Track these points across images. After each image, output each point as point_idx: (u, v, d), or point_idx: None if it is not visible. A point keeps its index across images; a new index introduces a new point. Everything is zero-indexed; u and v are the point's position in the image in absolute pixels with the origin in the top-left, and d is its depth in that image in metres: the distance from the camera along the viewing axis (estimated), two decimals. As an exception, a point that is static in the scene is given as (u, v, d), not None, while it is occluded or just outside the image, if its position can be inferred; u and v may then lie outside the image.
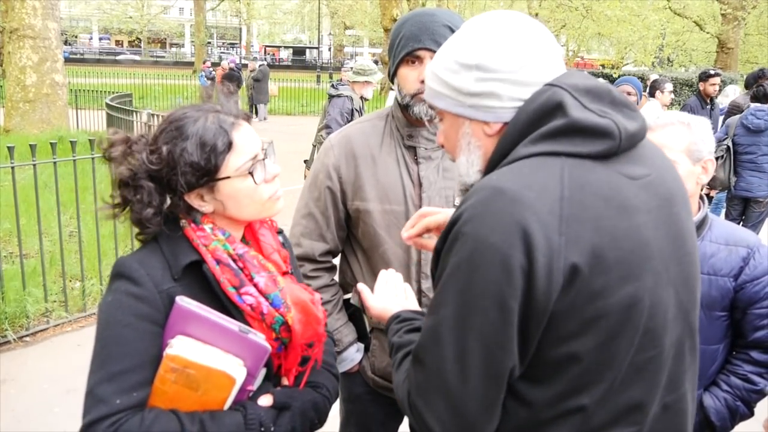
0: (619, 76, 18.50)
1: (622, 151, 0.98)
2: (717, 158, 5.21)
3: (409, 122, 1.73)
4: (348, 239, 1.86)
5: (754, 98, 5.58)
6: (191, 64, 38.65)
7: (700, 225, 1.75)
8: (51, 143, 4.39)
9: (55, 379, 3.70)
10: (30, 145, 4.18)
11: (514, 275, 0.89)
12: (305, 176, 6.08)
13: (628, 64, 31.13)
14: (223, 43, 61.49)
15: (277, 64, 46.90)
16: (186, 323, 1.16)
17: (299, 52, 52.78)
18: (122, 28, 47.81)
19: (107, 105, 10.33)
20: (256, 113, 16.96)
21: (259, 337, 1.19)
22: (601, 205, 0.93)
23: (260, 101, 17.31)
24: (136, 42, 57.90)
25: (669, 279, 0.99)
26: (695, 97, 7.18)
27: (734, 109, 6.68)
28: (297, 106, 20.57)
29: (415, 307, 1.35)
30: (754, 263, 1.70)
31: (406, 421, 1.91)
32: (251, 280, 1.22)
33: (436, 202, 1.70)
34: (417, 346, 1.02)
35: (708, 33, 24.74)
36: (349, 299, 1.85)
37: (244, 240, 1.31)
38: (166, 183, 1.18)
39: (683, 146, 1.72)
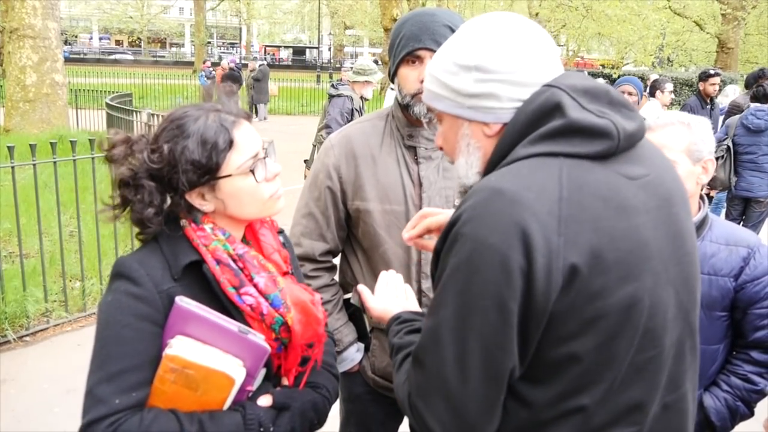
0: (619, 76, 18.50)
1: (620, 151, 0.98)
2: (717, 158, 5.21)
3: (410, 122, 1.73)
4: (348, 239, 1.86)
5: (754, 98, 5.58)
6: (191, 63, 38.66)
7: (701, 225, 1.75)
8: (51, 143, 4.39)
9: (55, 379, 3.70)
10: (30, 145, 4.18)
11: (513, 276, 0.89)
12: (305, 176, 6.08)
13: (628, 64, 31.14)
14: (223, 43, 61.49)
15: (277, 63, 46.88)
16: (185, 323, 1.16)
17: (299, 52, 52.77)
18: (122, 28, 47.85)
19: (107, 105, 10.33)
20: (256, 113, 16.96)
21: (258, 338, 1.19)
22: (600, 206, 0.93)
23: (260, 101, 17.31)
24: (136, 42, 57.93)
25: (668, 279, 0.99)
26: (695, 96, 7.18)
27: (734, 109, 6.68)
28: (297, 106, 20.56)
29: (416, 308, 1.35)
30: (754, 263, 1.70)
31: (406, 421, 1.91)
32: (251, 280, 1.22)
33: (436, 201, 1.70)
34: (417, 348, 1.02)
35: (708, 33, 24.75)
36: (349, 299, 1.85)
37: (244, 240, 1.31)
38: (167, 182, 1.17)
39: (683, 146, 1.72)
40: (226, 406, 1.19)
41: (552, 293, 0.90)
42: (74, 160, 4.57)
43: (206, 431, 1.14)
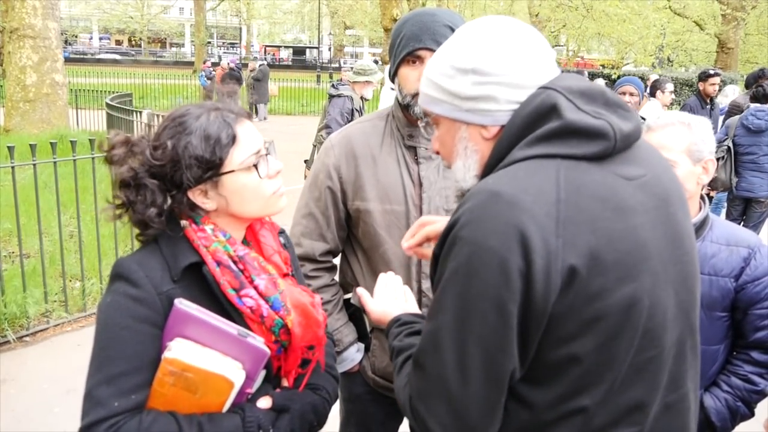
0: (619, 77, 18.49)
1: (617, 151, 0.98)
2: (718, 159, 5.21)
3: (410, 122, 1.73)
4: (348, 239, 1.85)
5: (754, 98, 5.58)
6: (191, 63, 38.65)
7: (701, 225, 1.75)
8: (51, 143, 4.39)
9: (55, 379, 3.70)
10: (30, 145, 4.18)
11: (512, 278, 0.89)
12: (305, 176, 6.08)
13: (628, 64, 31.13)
14: (223, 43, 61.48)
15: (277, 63, 46.87)
16: (185, 326, 1.15)
17: (299, 51, 52.75)
18: (122, 28, 47.83)
19: (107, 105, 10.33)
20: (256, 113, 16.96)
21: (258, 341, 1.18)
22: (598, 207, 0.93)
23: (260, 101, 17.31)
24: (136, 42, 57.94)
25: (667, 279, 0.99)
26: (695, 97, 7.18)
27: (734, 109, 6.68)
28: (297, 106, 20.57)
29: (415, 309, 1.35)
30: (755, 263, 1.70)
31: (406, 421, 1.91)
32: (251, 282, 1.21)
33: (436, 201, 1.70)
34: (417, 351, 1.02)
35: (708, 33, 24.74)
36: (349, 299, 1.85)
37: (244, 241, 1.31)
38: (170, 179, 1.17)
39: (684, 146, 1.72)
40: (225, 409, 1.19)
41: (551, 295, 0.90)
42: (74, 160, 4.57)
43: None
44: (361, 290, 1.39)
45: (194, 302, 1.17)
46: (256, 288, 1.21)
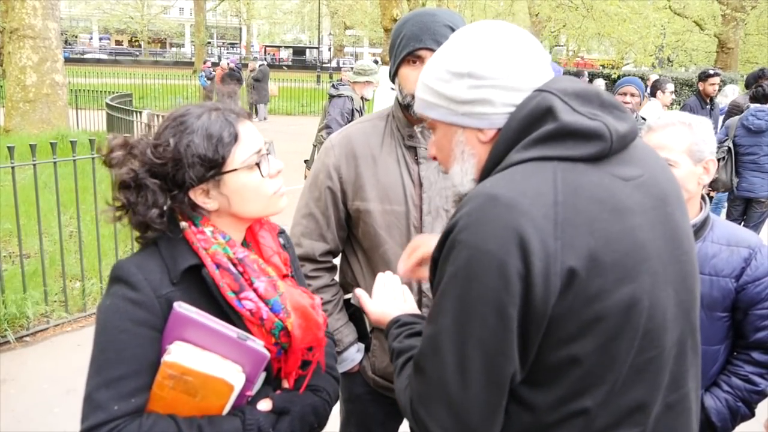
0: (619, 77, 18.49)
1: (613, 152, 0.98)
2: (718, 160, 5.21)
3: (410, 122, 1.73)
4: (348, 239, 1.85)
5: (754, 99, 5.58)
6: (191, 64, 38.66)
7: (702, 226, 1.75)
8: (51, 143, 4.39)
9: (55, 380, 3.70)
10: (30, 145, 4.18)
11: (511, 281, 0.89)
12: (305, 176, 6.08)
13: (628, 64, 31.13)
14: (223, 43, 61.48)
15: (277, 64, 46.86)
16: (184, 329, 1.15)
17: (299, 52, 52.75)
18: (122, 28, 47.82)
19: (107, 105, 10.34)
20: (256, 113, 16.96)
21: (257, 344, 1.18)
22: (595, 208, 0.93)
23: (260, 101, 17.31)
24: (136, 42, 57.94)
25: (667, 279, 0.99)
26: (695, 97, 7.18)
27: (734, 109, 6.68)
28: (297, 106, 20.56)
29: (415, 310, 1.35)
30: (755, 264, 1.70)
31: (406, 421, 1.91)
32: (251, 284, 1.21)
33: (436, 202, 1.70)
34: (417, 355, 1.02)
35: (707, 33, 24.74)
36: (349, 299, 1.85)
37: (244, 242, 1.31)
38: (171, 178, 1.16)
39: (684, 146, 1.72)
40: (225, 412, 1.19)
41: (551, 297, 0.90)
42: (74, 161, 4.57)
43: None
44: (359, 291, 1.39)
45: (193, 305, 1.16)
46: (255, 290, 1.21)
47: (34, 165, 4.23)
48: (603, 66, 28.73)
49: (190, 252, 1.19)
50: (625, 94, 5.07)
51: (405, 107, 1.71)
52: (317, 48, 44.21)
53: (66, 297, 4.56)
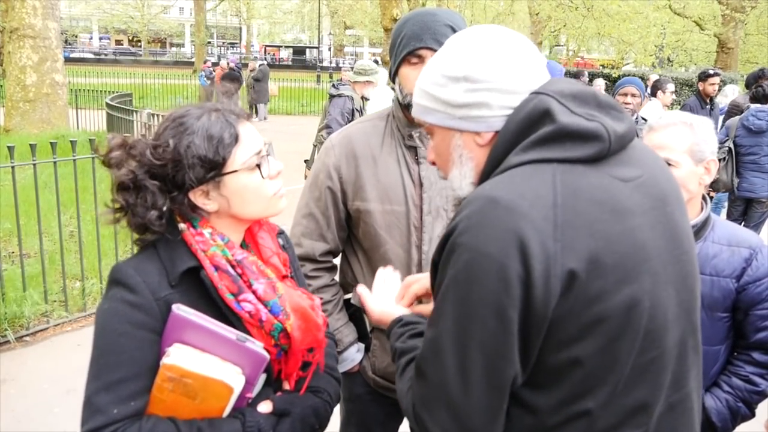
0: (619, 76, 18.48)
1: (612, 153, 0.98)
2: (719, 160, 5.21)
3: (410, 122, 1.73)
4: (349, 239, 1.85)
5: (754, 99, 5.58)
6: (191, 63, 38.66)
7: (703, 226, 1.75)
8: (51, 143, 4.39)
9: (55, 380, 3.70)
10: (30, 145, 4.18)
11: (511, 284, 0.89)
12: (305, 176, 6.08)
13: (628, 64, 31.13)
14: (224, 43, 61.48)
15: (277, 63, 46.86)
16: (183, 331, 1.15)
17: (299, 51, 52.73)
18: (122, 28, 47.82)
19: (107, 105, 10.34)
20: (256, 113, 16.96)
21: (257, 346, 1.18)
22: (595, 210, 0.93)
23: (260, 101, 17.31)
24: (136, 42, 57.96)
25: (667, 279, 0.99)
26: (695, 96, 7.18)
27: (734, 109, 6.67)
28: (297, 106, 20.57)
29: None
30: (756, 264, 1.70)
31: (406, 421, 1.91)
32: (250, 286, 1.20)
33: (436, 201, 1.70)
34: (419, 359, 1.02)
35: (707, 33, 24.73)
36: (349, 299, 1.85)
37: (243, 244, 1.30)
38: (171, 179, 1.16)
39: (686, 147, 1.72)
40: (225, 414, 1.18)
41: (551, 299, 0.90)
42: (74, 160, 4.56)
43: None
44: (361, 289, 1.38)
45: (192, 307, 1.16)
46: (254, 292, 1.20)
47: (34, 165, 4.23)
48: (603, 66, 28.73)
49: (188, 254, 1.19)
50: (625, 94, 5.07)
51: (405, 107, 1.70)
52: (317, 48, 44.21)
53: (66, 297, 4.56)
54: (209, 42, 47.10)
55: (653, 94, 6.74)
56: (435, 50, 1.57)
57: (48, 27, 11.04)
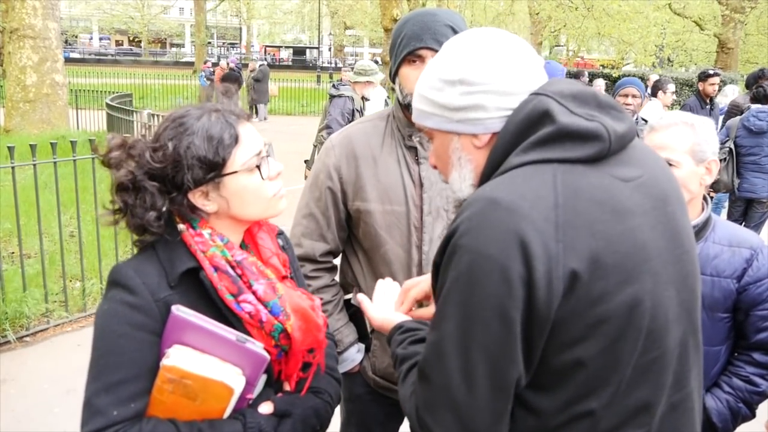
0: (619, 77, 18.48)
1: (612, 153, 0.98)
2: (720, 161, 5.20)
3: (410, 122, 1.73)
4: (349, 239, 1.85)
5: (754, 99, 5.58)
6: (191, 64, 38.66)
7: (704, 226, 1.75)
8: (51, 143, 4.39)
9: (55, 380, 3.70)
10: (30, 145, 4.18)
11: (514, 286, 0.89)
12: (306, 176, 6.07)
13: (628, 64, 31.13)
14: (224, 43, 61.51)
15: (278, 64, 46.86)
16: (183, 333, 1.14)
17: (299, 52, 52.75)
18: (122, 28, 47.83)
19: (107, 105, 10.35)
20: (256, 113, 16.96)
21: (257, 346, 1.17)
22: (596, 210, 0.93)
23: (260, 101, 17.31)
24: (137, 43, 57.97)
25: (668, 279, 0.99)
26: (695, 97, 7.18)
27: (734, 109, 6.67)
28: (297, 106, 20.56)
29: None
30: (757, 265, 1.70)
31: (406, 421, 1.91)
32: (250, 287, 1.20)
33: (436, 202, 1.70)
34: (422, 362, 1.02)
35: (708, 33, 24.74)
36: (349, 299, 1.84)
37: (242, 244, 1.30)
38: (170, 180, 1.15)
39: (687, 147, 1.72)
40: (226, 415, 1.18)
41: (554, 300, 0.89)
42: (74, 161, 4.56)
43: None
44: (361, 297, 1.38)
45: (192, 308, 1.15)
46: (254, 293, 1.20)
47: (34, 165, 4.23)
48: (603, 66, 28.73)
49: (187, 255, 1.18)
50: (626, 95, 5.06)
51: (405, 107, 1.70)
52: (317, 48, 44.21)
53: (66, 297, 4.56)
54: (209, 42, 47.12)
55: (654, 94, 6.74)
56: (435, 50, 1.58)
57: (48, 27, 11.04)
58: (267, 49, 53.29)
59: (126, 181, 1.15)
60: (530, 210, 0.90)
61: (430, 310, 1.30)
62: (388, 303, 1.36)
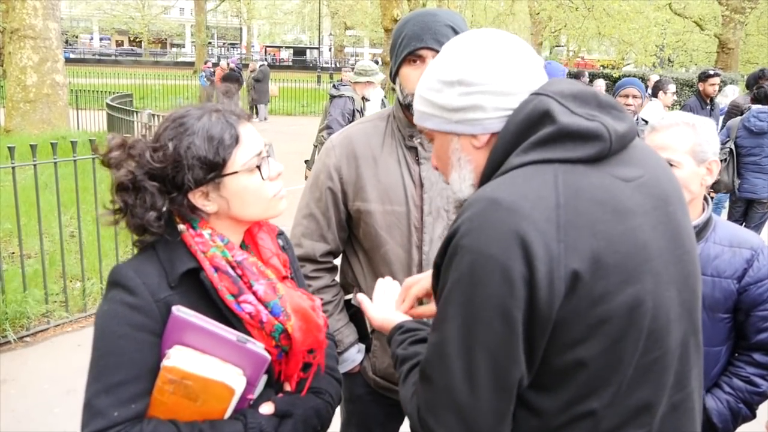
0: (619, 77, 18.48)
1: (613, 153, 0.98)
2: (721, 161, 5.20)
3: (411, 122, 1.73)
4: (349, 240, 1.85)
5: (755, 100, 5.58)
6: (192, 64, 38.67)
7: (704, 227, 1.75)
8: (51, 143, 4.39)
9: (56, 380, 3.70)
10: (30, 146, 4.19)
11: (516, 285, 0.89)
12: (306, 177, 6.08)
13: (629, 64, 31.13)
14: (224, 44, 61.52)
15: (278, 64, 46.86)
16: (183, 333, 1.14)
17: (300, 52, 52.76)
18: (123, 29, 47.85)
19: (108, 105, 10.35)
20: (257, 113, 16.97)
21: (258, 347, 1.17)
22: (597, 210, 0.93)
23: (260, 101, 17.32)
24: (136, 42, 58.01)
25: (669, 279, 0.99)
26: (695, 97, 7.18)
27: (734, 110, 6.67)
28: (297, 107, 20.56)
29: None
30: (758, 265, 1.69)
31: (406, 421, 1.91)
32: (250, 287, 1.20)
33: (437, 202, 1.70)
34: (423, 363, 1.02)
35: (708, 33, 24.74)
36: (350, 300, 1.84)
37: (243, 245, 1.30)
38: (170, 180, 1.15)
39: (688, 147, 1.71)
40: (227, 416, 1.18)
41: (555, 300, 0.89)
42: (75, 161, 4.56)
43: None
44: (361, 297, 1.38)
45: (192, 309, 1.15)
46: (255, 293, 1.20)
47: (35, 165, 4.23)
48: (603, 66, 28.73)
49: (188, 255, 1.18)
50: (626, 96, 5.06)
51: (406, 107, 1.70)
52: (318, 48, 44.22)
53: (66, 297, 4.56)
54: (210, 43, 47.14)
55: (654, 94, 6.74)
56: (435, 50, 1.58)
57: (48, 27, 11.05)
58: (267, 49, 53.28)
59: (126, 181, 1.14)
60: (531, 210, 0.90)
61: (431, 308, 1.30)
62: (388, 302, 1.36)
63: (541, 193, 0.92)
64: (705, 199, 1.79)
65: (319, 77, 29.69)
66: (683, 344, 1.03)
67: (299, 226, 1.82)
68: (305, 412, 1.27)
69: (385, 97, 6.79)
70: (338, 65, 40.41)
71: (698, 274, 1.08)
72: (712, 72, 6.94)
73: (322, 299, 1.66)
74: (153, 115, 7.38)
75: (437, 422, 0.98)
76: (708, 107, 6.91)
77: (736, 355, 1.78)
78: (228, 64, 19.38)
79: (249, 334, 1.20)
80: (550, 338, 0.92)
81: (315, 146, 6.46)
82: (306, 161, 6.69)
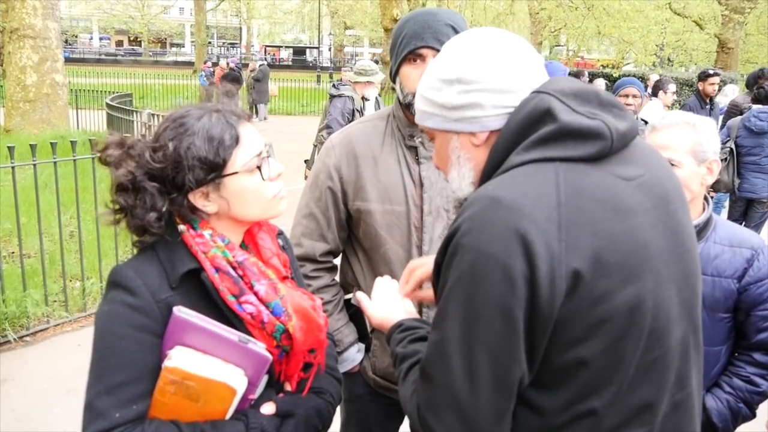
0: (619, 76, 18.48)
1: (614, 151, 0.98)
2: (721, 161, 5.20)
3: (411, 122, 1.73)
4: (349, 239, 1.85)
5: (755, 100, 5.57)
6: (191, 64, 38.67)
7: (705, 226, 1.75)
8: (51, 143, 4.39)
9: (56, 379, 3.70)
10: (30, 145, 4.19)
11: (517, 284, 0.89)
12: (306, 176, 6.08)
13: (628, 63, 31.12)
14: (224, 43, 61.50)
15: (278, 64, 46.85)
16: (184, 334, 1.14)
17: (299, 52, 52.74)
18: (123, 28, 47.84)
19: (107, 105, 10.36)
20: (257, 113, 16.96)
21: (259, 347, 1.17)
22: (598, 209, 0.93)
23: (260, 101, 17.31)
24: (136, 42, 57.99)
25: (670, 278, 0.99)
26: (694, 96, 7.18)
27: (733, 109, 6.67)
28: (297, 106, 20.56)
29: (415, 314, 1.34)
30: (758, 265, 1.69)
31: (406, 421, 1.91)
32: (251, 288, 1.20)
33: (437, 202, 1.70)
34: (424, 361, 1.02)
35: (708, 33, 24.74)
36: (350, 299, 1.84)
37: (243, 245, 1.29)
38: (170, 181, 1.15)
39: (688, 147, 1.71)
40: (228, 416, 1.18)
41: (557, 299, 0.89)
42: (74, 161, 4.57)
43: None
44: (360, 295, 1.38)
45: (193, 309, 1.15)
46: (256, 294, 1.19)
47: (35, 165, 4.23)
48: (603, 66, 28.71)
49: (188, 256, 1.18)
50: (626, 95, 5.06)
51: (406, 106, 1.70)
52: (317, 48, 44.21)
53: (66, 297, 4.56)
54: (209, 42, 47.12)
55: (654, 94, 6.75)
56: (436, 49, 1.58)
57: (48, 27, 11.04)
58: (267, 48, 53.30)
59: (126, 182, 1.14)
60: (532, 209, 0.90)
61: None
62: (388, 301, 1.35)
63: (542, 191, 0.92)
64: (705, 198, 1.79)
65: (318, 77, 29.68)
66: (683, 343, 1.03)
67: (299, 226, 1.82)
68: (306, 412, 1.27)
69: (379, 95, 6.78)
70: (338, 65, 40.41)
71: (698, 273, 1.08)
72: (711, 71, 6.94)
73: (322, 299, 1.65)
74: (153, 115, 7.38)
75: (437, 421, 0.97)
76: (707, 107, 6.91)
77: (736, 354, 1.78)
78: (228, 63, 19.37)
79: (250, 334, 1.19)
80: (551, 337, 0.92)
81: (315, 146, 6.46)
82: (306, 161, 6.69)
